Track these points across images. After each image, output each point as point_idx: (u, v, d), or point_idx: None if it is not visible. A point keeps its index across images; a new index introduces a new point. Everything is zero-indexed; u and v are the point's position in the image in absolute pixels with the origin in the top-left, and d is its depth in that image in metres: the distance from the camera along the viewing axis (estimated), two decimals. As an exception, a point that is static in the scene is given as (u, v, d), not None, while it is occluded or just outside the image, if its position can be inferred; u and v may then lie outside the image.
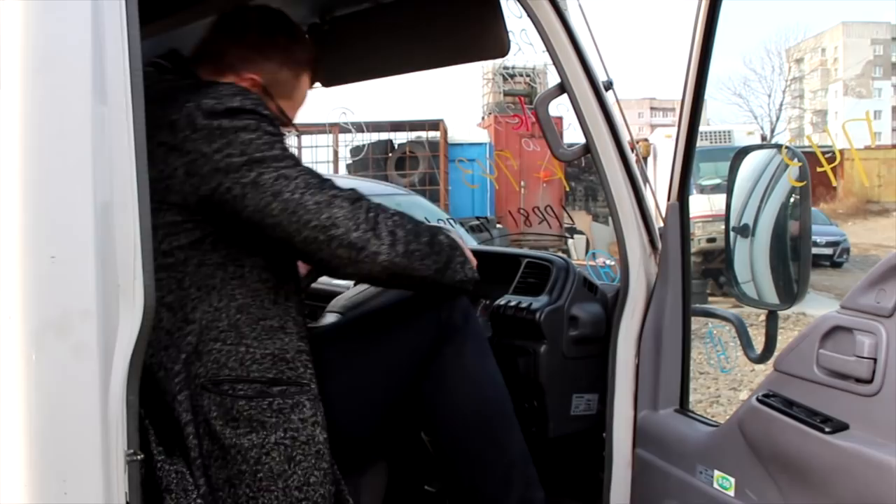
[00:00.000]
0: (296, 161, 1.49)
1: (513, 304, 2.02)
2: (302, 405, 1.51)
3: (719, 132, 15.20)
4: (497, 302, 2.08)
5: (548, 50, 1.78)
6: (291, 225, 1.45)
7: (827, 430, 1.27)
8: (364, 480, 1.77)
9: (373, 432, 1.78)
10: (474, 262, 1.69)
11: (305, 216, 1.44)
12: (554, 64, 1.78)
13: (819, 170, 1.85)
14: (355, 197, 1.50)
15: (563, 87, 1.79)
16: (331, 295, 2.23)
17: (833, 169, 1.79)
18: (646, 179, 1.88)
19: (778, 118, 44.63)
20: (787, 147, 1.70)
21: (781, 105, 45.52)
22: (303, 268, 1.72)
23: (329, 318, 2.08)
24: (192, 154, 1.44)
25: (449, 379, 1.77)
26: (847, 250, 16.84)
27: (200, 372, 1.47)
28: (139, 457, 1.20)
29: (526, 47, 2.02)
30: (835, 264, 16.06)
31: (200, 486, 1.44)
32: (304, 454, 1.49)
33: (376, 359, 1.76)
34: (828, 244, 15.89)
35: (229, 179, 1.43)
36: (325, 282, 2.36)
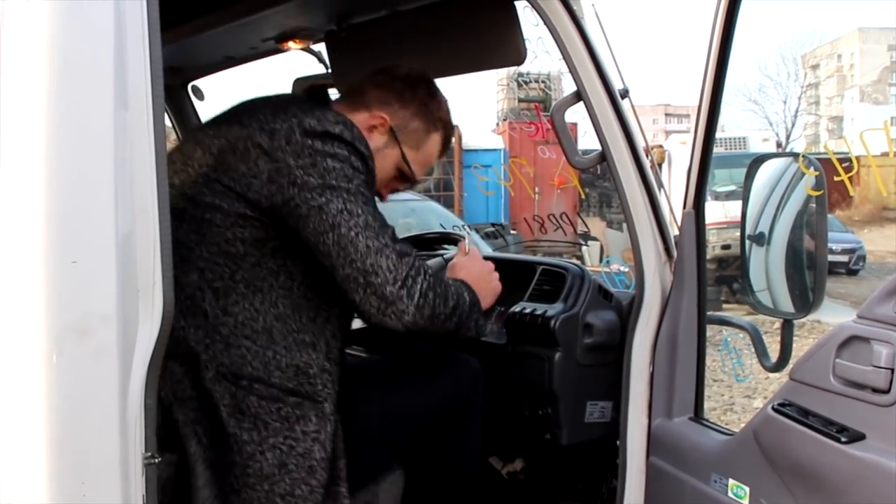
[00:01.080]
0: (366, 199, 1.53)
1: (528, 311, 2.02)
2: (308, 419, 1.55)
3: (734, 139, 15.16)
4: (512, 309, 2.08)
5: (564, 57, 1.78)
6: (339, 259, 1.49)
7: (843, 439, 1.26)
8: (381, 487, 1.78)
9: (392, 456, 1.83)
10: (491, 297, 1.78)
11: (353, 255, 1.49)
12: (570, 72, 1.79)
13: (836, 179, 1.84)
14: (404, 252, 1.53)
15: (579, 95, 1.79)
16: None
17: (850, 177, 1.78)
18: (661, 186, 1.87)
19: (793, 124, 44.42)
20: (803, 156, 1.69)
21: (797, 111, 45.30)
22: None
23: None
24: (279, 163, 1.50)
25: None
26: (863, 258, 16.72)
27: (225, 361, 1.52)
28: (157, 460, 1.21)
29: (542, 55, 2.02)
30: (851, 272, 15.94)
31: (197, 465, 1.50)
32: (296, 465, 1.52)
33: (411, 394, 1.84)
34: (844, 251, 15.79)
35: (300, 197, 1.49)
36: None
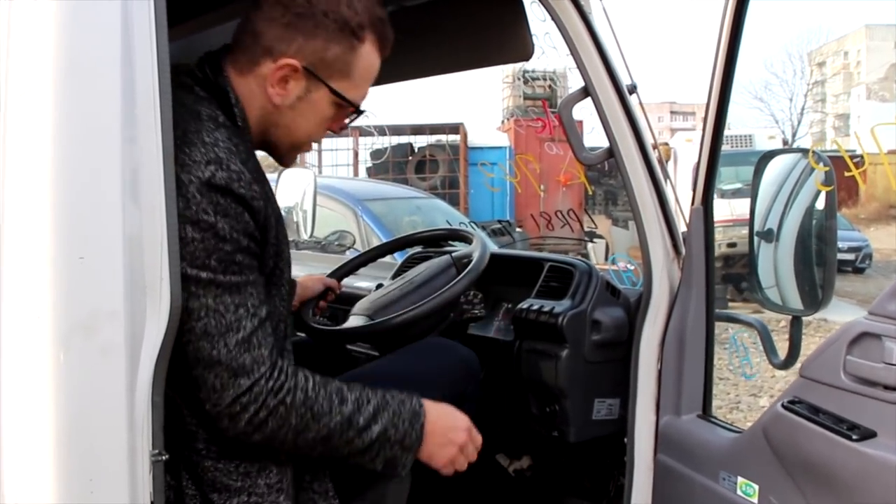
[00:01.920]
0: (221, 285, 1.30)
1: (535, 307, 2.02)
2: (269, 470, 1.42)
3: (740, 136, 15.13)
4: (519, 305, 2.07)
5: (572, 53, 1.77)
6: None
7: (854, 437, 1.26)
8: (387, 487, 1.78)
9: None
10: (443, 457, 1.55)
11: (184, 356, 1.29)
12: (578, 67, 1.78)
13: (847, 174, 1.83)
14: (244, 369, 1.31)
15: (586, 91, 1.78)
16: (354, 297, 2.23)
17: (861, 172, 1.78)
18: (667, 179, 1.87)
19: (799, 122, 44.36)
20: (813, 151, 1.69)
21: (803, 109, 45.23)
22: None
23: (353, 321, 2.08)
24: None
25: None
26: (870, 256, 16.67)
27: (179, 425, 1.39)
28: (164, 457, 1.20)
29: (549, 50, 2.02)
30: (857, 270, 15.90)
31: None
32: None
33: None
34: (850, 249, 15.73)
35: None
36: (347, 284, 2.37)
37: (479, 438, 1.59)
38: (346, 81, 1.47)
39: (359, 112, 1.54)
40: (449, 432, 1.54)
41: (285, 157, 1.56)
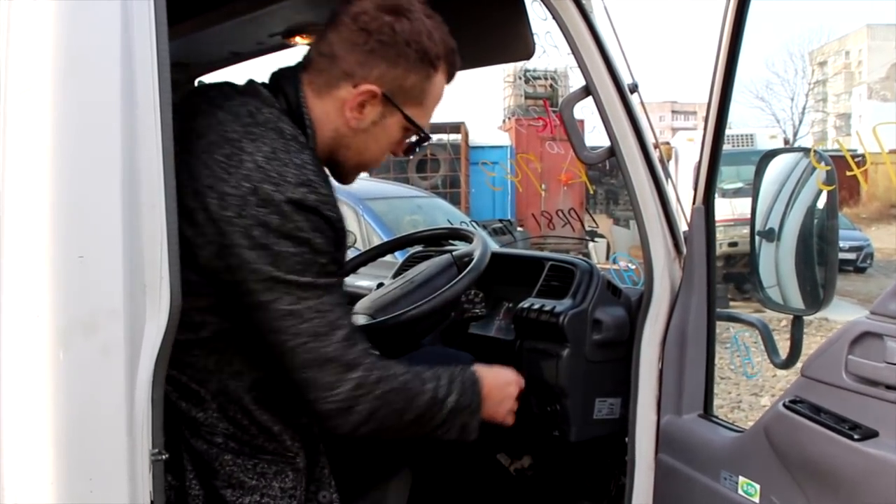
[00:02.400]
0: (322, 290, 1.36)
1: (536, 307, 2.01)
2: (285, 474, 1.46)
3: (742, 136, 15.11)
4: (520, 305, 2.07)
5: (573, 52, 1.77)
6: (283, 359, 1.37)
7: (856, 437, 1.25)
8: (388, 487, 1.78)
9: (395, 458, 1.79)
10: (500, 412, 1.66)
11: (290, 364, 1.37)
12: (579, 66, 1.78)
13: (849, 174, 1.83)
14: (353, 362, 1.38)
15: (588, 90, 1.78)
16: (355, 297, 2.23)
17: (863, 171, 1.78)
18: (668, 178, 1.86)
19: (801, 122, 44.32)
20: (815, 150, 1.68)
21: (804, 109, 45.20)
22: None
23: (356, 320, 2.08)
24: (226, 240, 1.33)
25: None
26: (871, 255, 16.66)
27: (199, 417, 1.43)
28: (164, 456, 1.20)
29: (551, 49, 2.01)
30: (858, 269, 15.89)
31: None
32: None
33: None
34: (851, 249, 15.73)
35: (248, 286, 1.34)
36: (348, 283, 2.36)
37: (521, 380, 1.72)
38: (418, 108, 1.52)
39: (426, 137, 1.60)
40: (504, 389, 1.67)
41: (349, 177, 1.60)
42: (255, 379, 1.45)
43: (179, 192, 1.25)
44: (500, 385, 1.66)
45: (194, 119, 1.43)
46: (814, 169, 1.67)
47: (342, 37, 1.46)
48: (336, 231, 1.39)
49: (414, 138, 1.59)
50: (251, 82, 1.51)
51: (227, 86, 1.52)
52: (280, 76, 1.52)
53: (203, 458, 1.42)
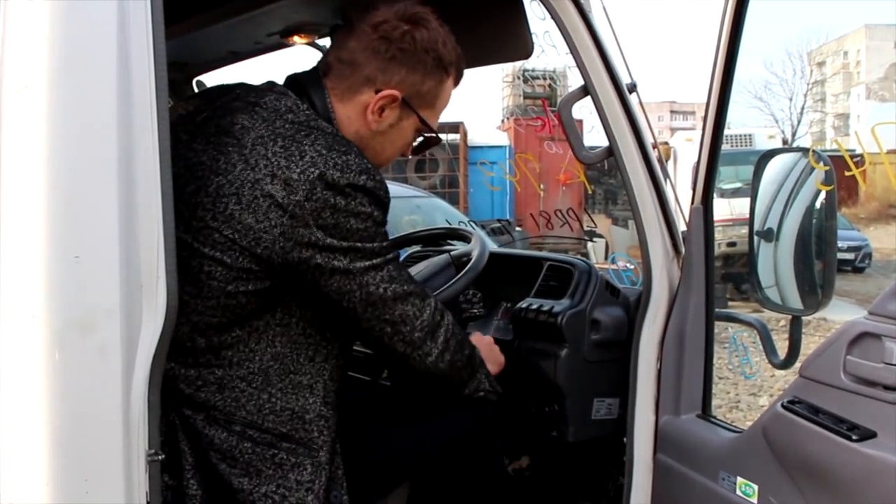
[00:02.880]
0: (386, 249, 1.50)
1: (534, 307, 2.01)
2: (303, 467, 1.49)
3: (740, 136, 15.11)
4: (518, 305, 2.07)
5: (571, 52, 1.77)
6: (365, 314, 1.49)
7: (854, 437, 1.25)
8: (386, 498, 1.78)
9: (400, 473, 1.80)
10: (496, 367, 1.82)
11: (381, 309, 1.49)
12: (577, 66, 1.77)
13: (847, 174, 1.82)
14: (425, 294, 1.56)
15: (586, 90, 1.78)
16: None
17: (861, 171, 1.77)
18: (667, 178, 1.86)
19: (799, 122, 44.29)
20: (813, 150, 1.68)
21: (803, 109, 45.18)
22: None
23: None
24: (296, 220, 1.40)
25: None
26: (869, 255, 16.65)
27: (218, 404, 1.46)
28: (160, 457, 1.20)
29: (549, 49, 2.01)
30: (857, 269, 15.88)
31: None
32: None
33: (418, 430, 1.78)
34: (849, 249, 15.72)
35: (322, 258, 1.43)
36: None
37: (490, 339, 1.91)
38: (430, 111, 1.63)
39: (437, 139, 1.70)
40: (489, 348, 1.85)
41: None
42: (297, 362, 1.50)
43: (235, 184, 1.40)
44: (485, 345, 1.83)
45: (233, 115, 1.49)
46: (812, 169, 1.67)
47: (363, 45, 1.55)
48: (385, 209, 1.50)
49: (422, 139, 1.69)
50: (274, 83, 1.58)
51: (254, 86, 1.58)
52: (303, 81, 1.58)
53: (222, 447, 1.45)
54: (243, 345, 1.46)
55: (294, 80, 1.59)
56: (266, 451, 1.47)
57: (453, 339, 1.60)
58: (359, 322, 1.50)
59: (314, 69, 1.60)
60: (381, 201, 1.48)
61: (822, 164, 1.64)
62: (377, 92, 1.55)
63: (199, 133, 1.50)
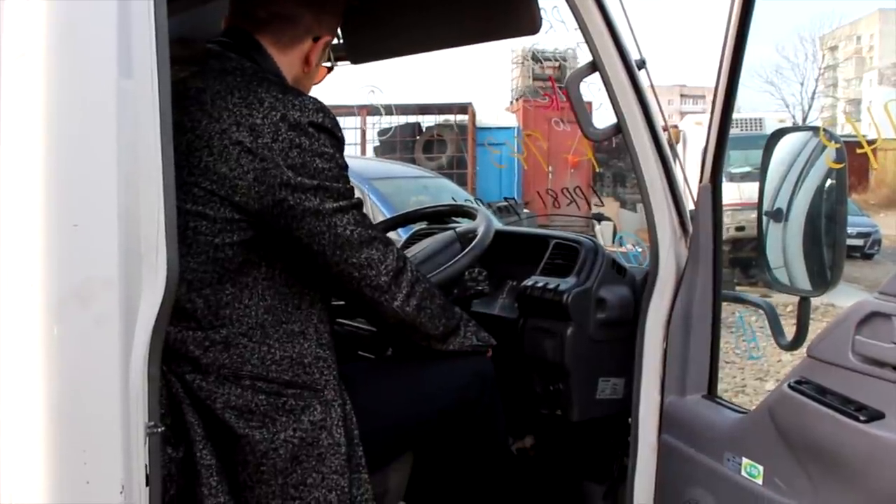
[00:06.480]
0: (351, 192, 1.56)
1: (540, 284, 2.00)
2: (313, 408, 1.55)
3: (750, 120, 15.01)
4: (524, 283, 2.05)
5: (580, 27, 1.74)
6: (334, 257, 1.54)
7: (862, 418, 1.24)
8: (389, 468, 1.77)
9: (401, 443, 1.79)
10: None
11: (348, 251, 1.54)
12: (586, 41, 1.75)
13: (859, 151, 1.80)
14: (388, 240, 1.61)
15: (594, 66, 1.76)
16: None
17: (873, 149, 1.75)
18: (675, 157, 1.84)
19: (810, 107, 44.02)
20: (824, 129, 1.66)
21: (814, 93, 44.89)
22: None
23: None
24: (266, 163, 1.47)
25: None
26: (879, 241, 16.59)
27: (226, 363, 1.51)
28: (160, 429, 1.19)
29: (558, 25, 1.99)
30: (866, 255, 15.84)
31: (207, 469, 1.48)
32: (306, 455, 1.53)
33: (416, 386, 1.79)
34: (859, 235, 15.66)
35: (294, 199, 1.49)
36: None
37: None
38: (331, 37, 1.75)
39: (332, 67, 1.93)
40: None
41: None
42: (286, 312, 1.56)
43: (204, 138, 1.46)
44: None
45: (184, 82, 1.55)
46: (824, 147, 1.65)
47: None
48: (342, 148, 1.57)
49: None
50: (209, 49, 1.64)
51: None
52: (239, 39, 1.63)
53: (238, 402, 1.51)
54: (238, 302, 1.52)
55: (228, 39, 1.65)
56: (277, 400, 1.53)
57: (419, 285, 1.64)
58: (328, 267, 1.55)
59: (241, 30, 1.64)
60: (340, 141, 1.56)
61: (833, 141, 1.62)
62: (315, 40, 1.66)
63: None
